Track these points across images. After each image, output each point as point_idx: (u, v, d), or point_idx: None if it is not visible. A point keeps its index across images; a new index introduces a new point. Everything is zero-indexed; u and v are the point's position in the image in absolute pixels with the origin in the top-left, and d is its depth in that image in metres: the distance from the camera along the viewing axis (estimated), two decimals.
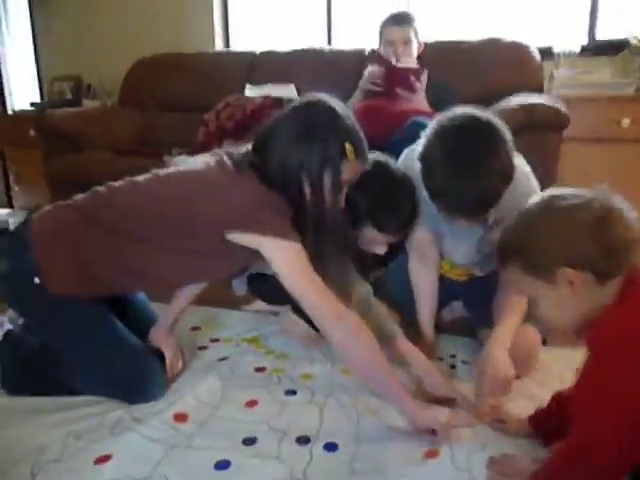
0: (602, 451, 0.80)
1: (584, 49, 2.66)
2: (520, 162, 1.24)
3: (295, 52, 2.90)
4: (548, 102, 1.96)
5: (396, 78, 2.00)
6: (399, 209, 1.29)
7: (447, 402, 1.17)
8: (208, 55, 3.13)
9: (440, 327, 1.55)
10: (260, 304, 1.79)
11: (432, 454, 1.05)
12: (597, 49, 2.69)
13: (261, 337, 1.62)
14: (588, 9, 2.78)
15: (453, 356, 1.47)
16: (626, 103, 2.29)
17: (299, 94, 2.59)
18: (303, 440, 1.11)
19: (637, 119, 2.26)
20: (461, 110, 1.17)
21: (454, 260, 1.48)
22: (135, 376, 1.25)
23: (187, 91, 2.99)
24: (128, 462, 1.03)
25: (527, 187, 1.23)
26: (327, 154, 1.13)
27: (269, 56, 2.96)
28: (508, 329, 1.25)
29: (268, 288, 1.64)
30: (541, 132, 1.91)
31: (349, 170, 1.17)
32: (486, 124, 1.13)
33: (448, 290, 1.53)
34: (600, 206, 0.81)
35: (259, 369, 1.42)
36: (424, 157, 1.18)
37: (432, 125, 1.19)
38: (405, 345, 1.31)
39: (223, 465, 1.03)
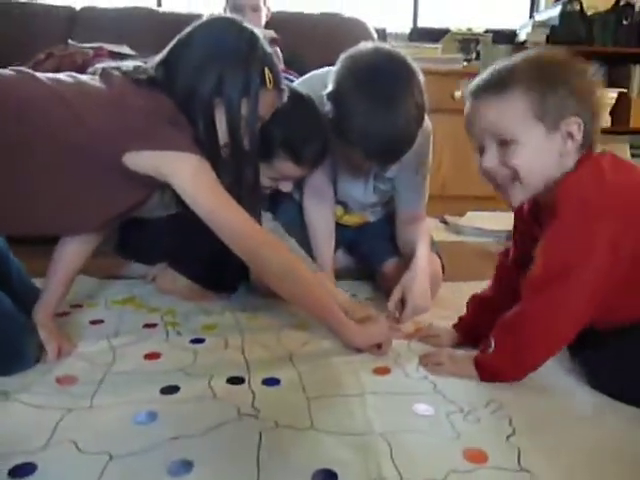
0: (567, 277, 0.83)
1: (412, 33, 2.88)
2: None
3: (122, 10, 2.59)
4: None
5: None
6: (316, 138, 1.19)
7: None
8: (13, 4, 2.62)
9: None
10: (127, 268, 1.51)
11: (382, 371, 0.97)
12: (421, 36, 2.93)
13: (137, 297, 1.36)
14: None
15: (355, 295, 1.41)
16: (457, 77, 2.53)
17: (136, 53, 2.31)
18: (236, 380, 0.93)
19: None
20: (370, 46, 1.13)
21: (348, 202, 1.44)
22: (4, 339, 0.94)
23: None
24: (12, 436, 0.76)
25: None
26: (248, 79, 0.98)
27: (91, 12, 2.59)
28: (425, 259, 1.25)
29: (143, 241, 1.41)
30: None
31: (265, 101, 1.03)
32: (401, 62, 1.11)
33: (340, 237, 1.45)
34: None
35: (149, 325, 1.18)
36: (338, 98, 1.12)
37: (342, 62, 1.13)
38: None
39: (146, 417, 0.81)
